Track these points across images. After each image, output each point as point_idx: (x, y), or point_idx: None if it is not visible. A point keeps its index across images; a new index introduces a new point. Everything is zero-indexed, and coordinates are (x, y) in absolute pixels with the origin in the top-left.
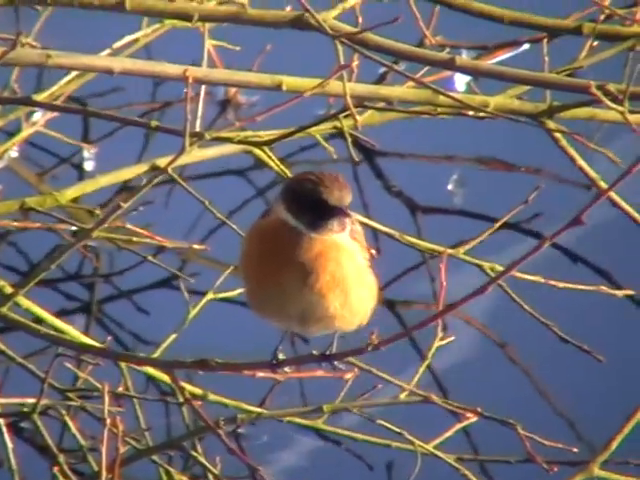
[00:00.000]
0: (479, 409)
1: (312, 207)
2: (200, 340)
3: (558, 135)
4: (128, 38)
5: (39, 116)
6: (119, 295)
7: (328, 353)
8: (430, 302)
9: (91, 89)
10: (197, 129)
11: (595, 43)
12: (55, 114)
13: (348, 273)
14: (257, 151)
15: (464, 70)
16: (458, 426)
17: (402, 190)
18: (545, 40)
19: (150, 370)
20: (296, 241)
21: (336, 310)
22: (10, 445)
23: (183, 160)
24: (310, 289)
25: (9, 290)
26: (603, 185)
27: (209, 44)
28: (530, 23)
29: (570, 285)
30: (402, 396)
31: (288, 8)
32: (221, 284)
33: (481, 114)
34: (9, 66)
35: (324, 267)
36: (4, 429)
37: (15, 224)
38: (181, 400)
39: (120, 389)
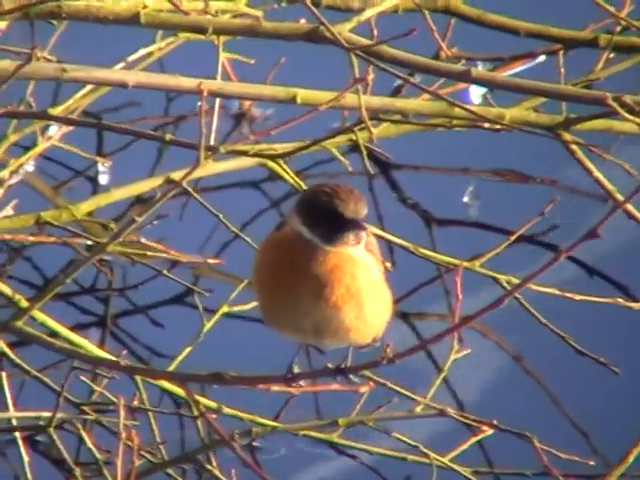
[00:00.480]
0: (495, 422)
1: (328, 220)
2: (215, 355)
3: (574, 147)
4: (142, 51)
5: (54, 130)
6: (134, 309)
7: (343, 366)
8: (444, 313)
9: (106, 103)
10: (212, 142)
11: (611, 55)
12: (70, 128)
13: (363, 286)
14: (272, 164)
15: (480, 82)
16: (474, 439)
17: (417, 202)
18: (561, 52)
19: (165, 384)
20: (311, 254)
21: (351, 323)
22: (26, 459)
23: (198, 173)
24: (325, 302)
25: (25, 304)
26: (620, 197)
27: (223, 57)
28: (546, 35)
29: (587, 297)
30: (418, 409)
31: (303, 21)
32: (235, 298)
33: (497, 126)
34: (25, 80)
35: (339, 280)
36: (20, 443)
37: (30, 238)
38: (196, 413)
39: (135, 403)
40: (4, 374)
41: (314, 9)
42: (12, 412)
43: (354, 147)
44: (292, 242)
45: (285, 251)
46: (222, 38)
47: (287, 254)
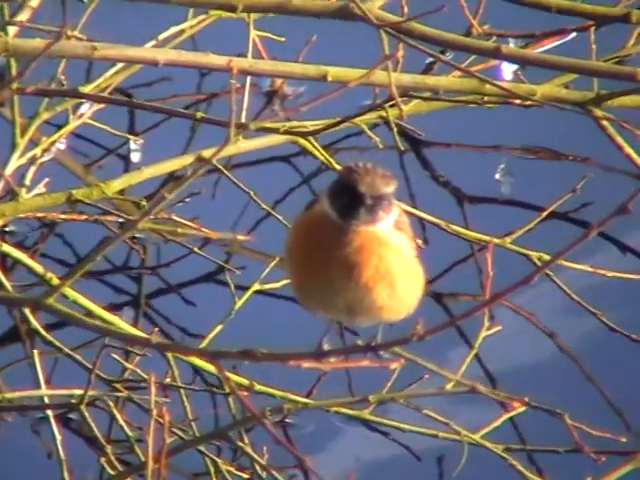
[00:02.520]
0: (526, 399)
1: (344, 195)
2: (246, 332)
3: (606, 123)
4: (174, 29)
5: (86, 108)
6: (166, 288)
7: (373, 344)
8: (477, 293)
9: (137, 81)
10: (243, 120)
11: None
12: (102, 106)
13: (392, 266)
14: (302, 141)
15: (511, 59)
16: (505, 416)
17: (449, 180)
18: (592, 28)
19: (196, 361)
20: (337, 235)
21: (384, 302)
22: (59, 436)
23: (229, 151)
24: (356, 283)
25: (56, 282)
26: None
27: (254, 35)
28: (577, 11)
29: (618, 274)
30: (448, 386)
31: None
32: (267, 275)
33: (528, 103)
34: (56, 58)
35: (366, 261)
36: (52, 420)
37: (62, 216)
38: (227, 390)
39: (167, 380)
40: (36, 352)
41: None
42: (44, 390)
43: (385, 124)
44: (320, 223)
45: (314, 232)
46: (253, 15)
47: (316, 235)
